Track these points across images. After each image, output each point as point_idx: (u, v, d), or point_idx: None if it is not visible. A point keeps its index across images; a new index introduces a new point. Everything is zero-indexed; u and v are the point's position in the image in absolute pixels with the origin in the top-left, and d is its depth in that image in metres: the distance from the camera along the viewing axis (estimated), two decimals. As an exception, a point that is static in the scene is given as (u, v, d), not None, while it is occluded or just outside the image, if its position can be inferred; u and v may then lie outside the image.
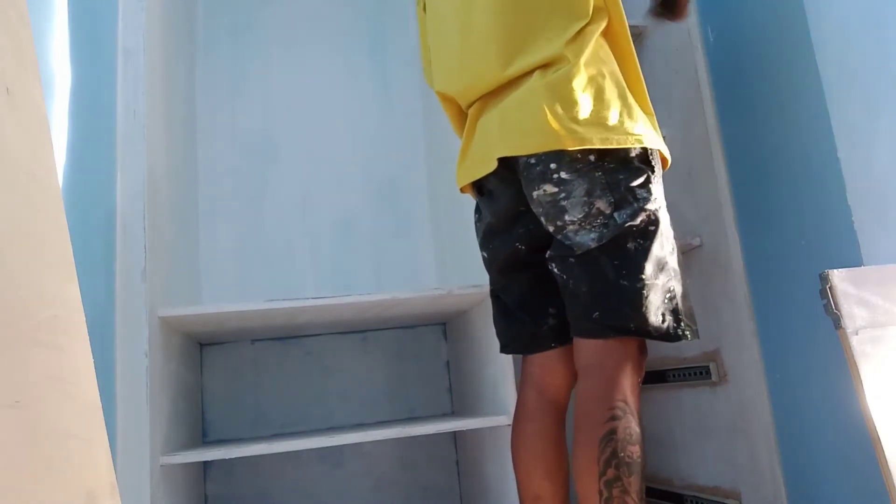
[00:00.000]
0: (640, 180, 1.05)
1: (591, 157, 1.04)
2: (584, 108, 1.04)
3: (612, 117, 1.05)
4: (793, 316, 1.41)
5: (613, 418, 1.01)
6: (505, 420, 1.43)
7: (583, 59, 1.06)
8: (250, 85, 2.07)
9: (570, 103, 1.04)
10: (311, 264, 1.98)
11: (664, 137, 1.16)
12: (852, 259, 1.23)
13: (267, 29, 2.12)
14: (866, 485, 1.20)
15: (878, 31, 1.26)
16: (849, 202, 1.25)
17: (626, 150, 1.05)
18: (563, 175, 1.04)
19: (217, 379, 1.82)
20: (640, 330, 1.04)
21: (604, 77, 1.07)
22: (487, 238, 1.24)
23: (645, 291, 1.03)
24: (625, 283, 1.03)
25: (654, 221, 1.05)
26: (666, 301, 1.05)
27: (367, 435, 1.41)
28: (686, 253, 1.67)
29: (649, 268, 1.04)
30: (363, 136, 2.10)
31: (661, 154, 1.12)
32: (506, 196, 1.16)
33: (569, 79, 1.04)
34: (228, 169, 1.99)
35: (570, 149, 1.03)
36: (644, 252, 1.04)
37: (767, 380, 1.44)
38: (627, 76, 1.12)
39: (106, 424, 0.51)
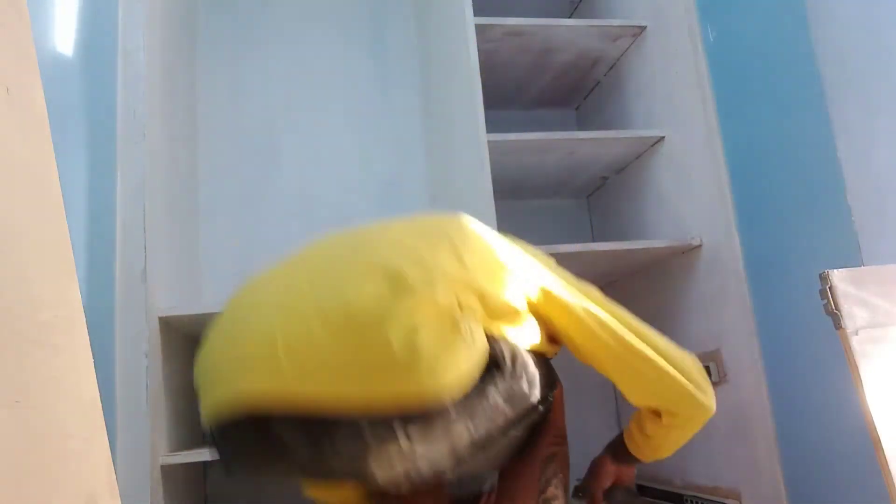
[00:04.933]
0: None
1: None
2: None
3: None
4: (793, 316, 1.41)
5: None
6: (505, 420, 1.42)
7: None
8: (250, 84, 2.07)
9: None
10: (311, 264, 1.97)
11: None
12: (852, 259, 1.23)
13: (267, 28, 2.11)
14: (866, 485, 1.20)
15: (878, 31, 1.26)
16: (849, 202, 1.25)
17: None
18: None
19: (217, 379, 1.81)
20: None
21: None
22: None
23: None
24: None
25: None
26: None
27: (367, 435, 1.40)
28: (686, 253, 1.67)
29: None
30: (363, 135, 2.10)
31: None
32: None
33: None
34: (228, 169, 1.99)
35: None
36: None
37: (767, 380, 1.44)
38: None
39: (106, 424, 0.51)
